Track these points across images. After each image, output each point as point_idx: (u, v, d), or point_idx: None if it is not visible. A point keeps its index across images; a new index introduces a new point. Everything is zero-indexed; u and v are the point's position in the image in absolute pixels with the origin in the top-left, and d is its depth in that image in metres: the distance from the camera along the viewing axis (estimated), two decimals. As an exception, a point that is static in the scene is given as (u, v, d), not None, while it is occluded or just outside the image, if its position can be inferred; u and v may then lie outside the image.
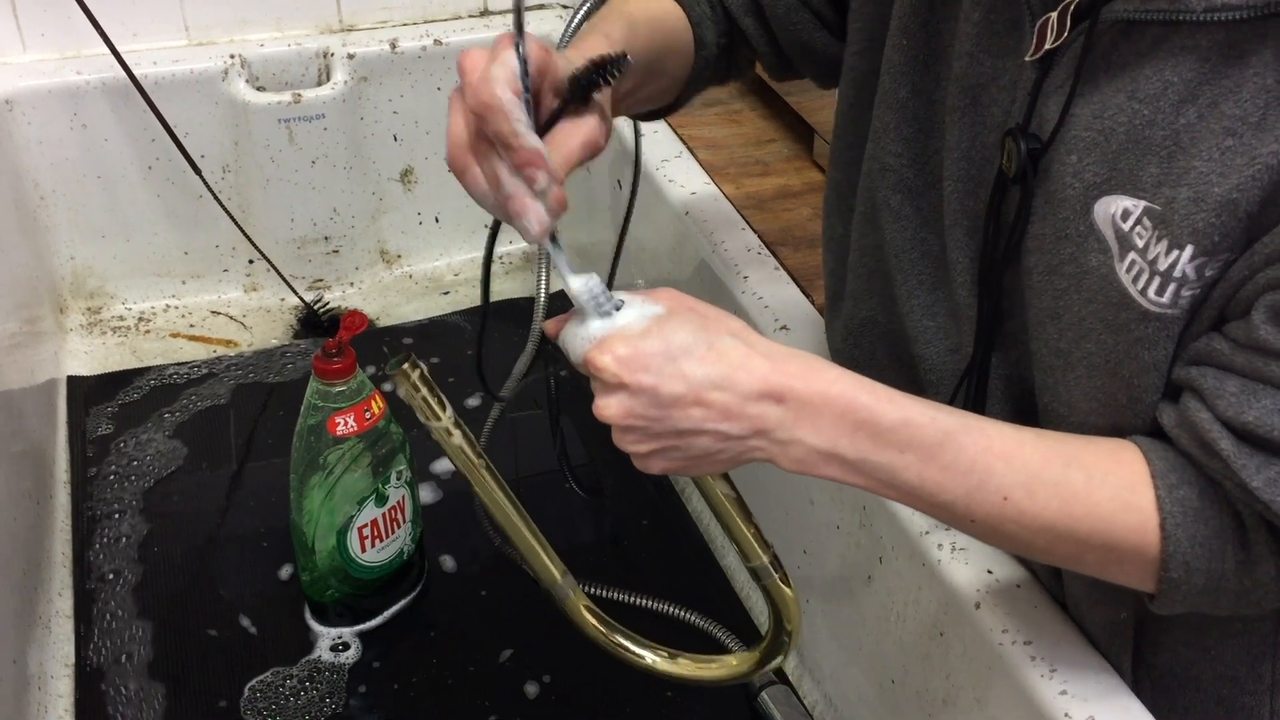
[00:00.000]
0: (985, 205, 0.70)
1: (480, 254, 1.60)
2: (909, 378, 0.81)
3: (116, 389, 1.33)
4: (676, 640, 1.04)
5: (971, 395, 0.75)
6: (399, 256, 1.57)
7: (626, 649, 0.80)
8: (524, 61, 0.59)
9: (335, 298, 1.51)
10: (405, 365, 0.68)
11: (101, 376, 1.35)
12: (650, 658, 0.80)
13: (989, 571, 0.77)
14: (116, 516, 1.17)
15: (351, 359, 0.98)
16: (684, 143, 1.29)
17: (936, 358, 0.78)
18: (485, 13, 1.53)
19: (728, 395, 0.60)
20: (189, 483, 1.21)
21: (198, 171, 1.36)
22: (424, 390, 0.69)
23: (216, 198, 1.37)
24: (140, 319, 1.46)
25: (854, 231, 0.83)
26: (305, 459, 1.00)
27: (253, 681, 1.01)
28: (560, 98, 0.63)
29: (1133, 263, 0.61)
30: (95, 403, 1.31)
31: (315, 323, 1.46)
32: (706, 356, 0.60)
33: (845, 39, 0.87)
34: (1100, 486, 0.61)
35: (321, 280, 1.52)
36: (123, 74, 1.31)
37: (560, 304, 1.49)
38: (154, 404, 1.31)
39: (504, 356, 1.38)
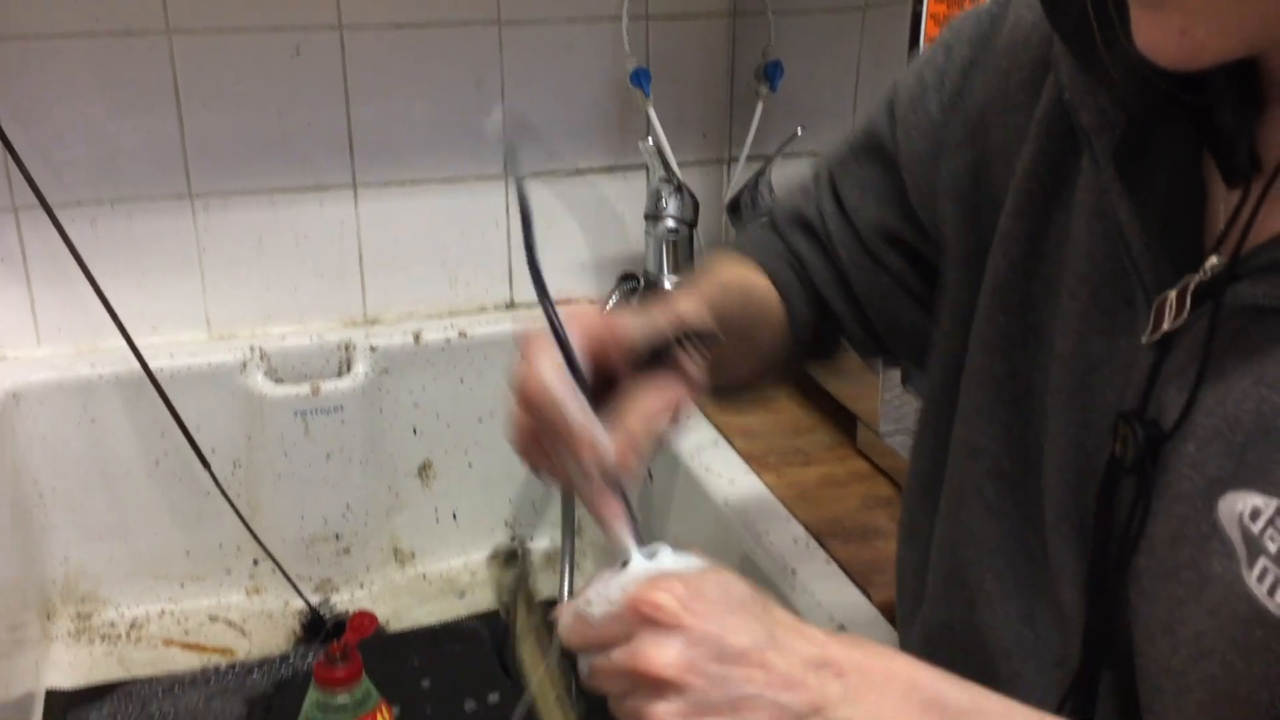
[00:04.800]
0: (1095, 498, 0.61)
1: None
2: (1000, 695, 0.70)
3: (97, 704, 1.21)
4: None
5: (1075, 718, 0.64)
6: (413, 555, 1.48)
7: None
8: (565, 344, 0.57)
9: (344, 600, 1.41)
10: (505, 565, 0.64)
11: (82, 690, 1.23)
12: None
13: None
14: None
15: (357, 665, 0.88)
16: (719, 430, 1.22)
17: (1035, 673, 0.67)
18: (511, 305, 1.51)
19: (789, 660, 0.51)
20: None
21: (207, 467, 1.30)
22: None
23: (225, 495, 1.30)
24: (132, 626, 1.36)
25: (936, 526, 0.74)
26: (299, 784, 0.88)
27: None
28: (632, 363, 0.61)
29: (1265, 570, 0.51)
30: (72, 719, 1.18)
31: (320, 628, 1.36)
32: (763, 616, 0.53)
33: None
34: None
35: (330, 581, 1.43)
36: (137, 366, 1.27)
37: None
38: (136, 720, 1.19)
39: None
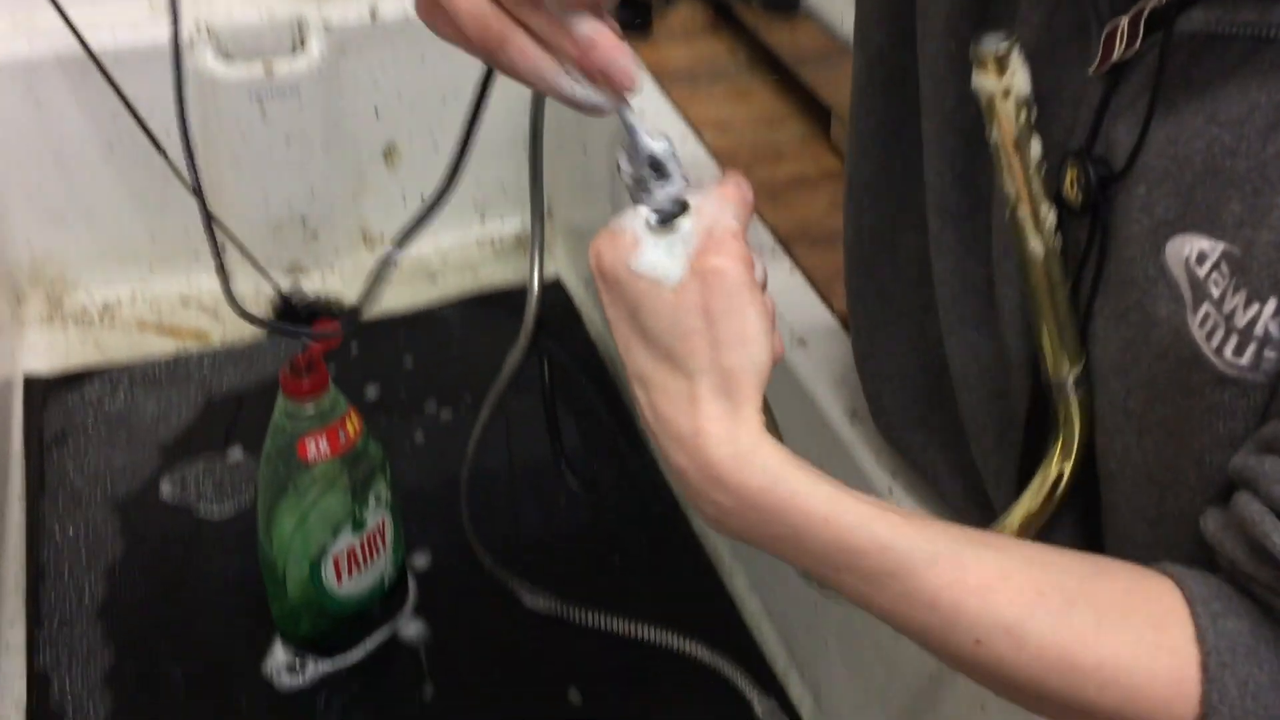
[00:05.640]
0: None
1: (471, 237, 1.50)
2: (952, 424, 0.72)
3: (77, 389, 1.24)
4: (675, 675, 0.97)
5: (1021, 455, 0.66)
6: (382, 239, 1.47)
7: None
8: None
9: (314, 283, 1.41)
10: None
11: (61, 376, 1.26)
12: None
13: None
14: (75, 536, 1.08)
15: (323, 376, 0.89)
16: (689, 123, 1.18)
17: (980, 404, 0.68)
18: (473, -25, 1.41)
19: (653, 395, 0.52)
20: (155, 495, 1.12)
21: (161, 151, 1.26)
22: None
23: (182, 179, 1.27)
24: (104, 309, 1.37)
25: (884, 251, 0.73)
26: (274, 484, 0.91)
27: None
28: None
29: (1207, 315, 0.50)
30: (54, 405, 1.21)
31: (292, 311, 1.37)
32: (657, 363, 0.52)
33: None
34: (1117, 628, 0.48)
35: (299, 263, 1.42)
36: (79, 46, 1.20)
37: (554, 295, 1.40)
38: (117, 406, 1.22)
39: (494, 349, 1.29)
